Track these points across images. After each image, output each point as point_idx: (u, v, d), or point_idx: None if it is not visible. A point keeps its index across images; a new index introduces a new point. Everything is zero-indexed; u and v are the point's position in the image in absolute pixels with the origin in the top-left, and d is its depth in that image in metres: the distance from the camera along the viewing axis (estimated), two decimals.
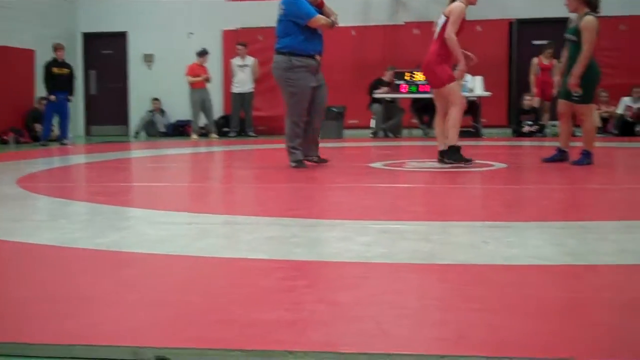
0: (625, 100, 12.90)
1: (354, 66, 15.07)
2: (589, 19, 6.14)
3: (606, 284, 2.24)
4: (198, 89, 13.42)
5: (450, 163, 6.18)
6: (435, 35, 6.22)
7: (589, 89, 6.31)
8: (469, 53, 6.30)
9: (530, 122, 12.81)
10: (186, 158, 8.83)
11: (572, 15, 6.53)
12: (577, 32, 6.19)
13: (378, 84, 13.44)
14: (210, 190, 5.43)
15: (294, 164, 6.30)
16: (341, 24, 15.72)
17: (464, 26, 6.12)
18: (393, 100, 13.16)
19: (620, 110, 12.87)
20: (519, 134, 12.80)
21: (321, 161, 6.60)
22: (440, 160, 6.32)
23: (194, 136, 13.44)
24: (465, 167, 6.03)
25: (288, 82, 6.26)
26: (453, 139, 6.15)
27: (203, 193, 5.24)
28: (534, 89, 12.82)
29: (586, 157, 6.32)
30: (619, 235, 3.00)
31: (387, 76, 13.09)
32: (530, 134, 12.62)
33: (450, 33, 5.99)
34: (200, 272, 2.46)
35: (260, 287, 2.19)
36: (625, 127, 12.52)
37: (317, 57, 6.37)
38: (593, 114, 6.56)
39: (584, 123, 6.46)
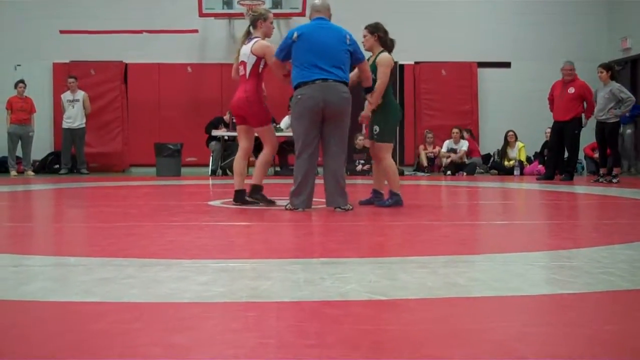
0: (447, 143, 13.82)
1: (190, 103, 14.98)
2: (385, 55, 6.16)
3: (436, 316, 2.35)
4: (15, 123, 13.00)
5: (248, 202, 6.15)
6: (247, 74, 6.14)
7: (387, 128, 6.21)
8: None
9: (362, 161, 13.35)
10: (7, 196, 8.30)
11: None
12: (375, 69, 6.13)
13: (219, 122, 13.47)
14: (38, 231, 5.14)
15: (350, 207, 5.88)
16: (177, 60, 15.54)
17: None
18: (233, 139, 13.19)
19: (444, 149, 13.75)
20: (352, 172, 13.27)
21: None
22: (236, 200, 6.24)
23: (13, 172, 12.97)
24: (267, 207, 6.07)
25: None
26: (258, 178, 6.15)
27: (30, 233, 4.94)
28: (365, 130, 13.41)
29: (391, 197, 6.20)
30: (447, 269, 3.16)
31: (227, 116, 13.17)
32: (363, 172, 13.13)
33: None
34: (26, 317, 2.31)
35: (91, 332, 2.09)
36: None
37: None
38: (390, 153, 6.28)
39: (382, 162, 6.24)
